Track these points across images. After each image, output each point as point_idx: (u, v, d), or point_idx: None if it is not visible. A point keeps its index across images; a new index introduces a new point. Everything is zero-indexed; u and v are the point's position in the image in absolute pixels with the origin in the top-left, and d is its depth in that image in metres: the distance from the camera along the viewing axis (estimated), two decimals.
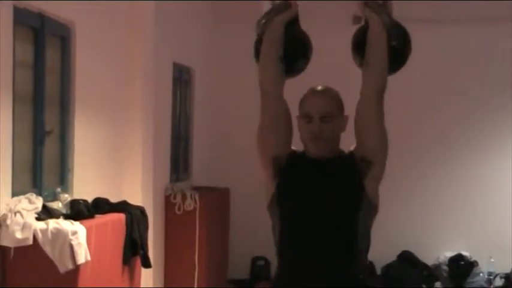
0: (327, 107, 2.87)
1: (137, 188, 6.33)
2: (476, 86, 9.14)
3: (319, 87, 2.96)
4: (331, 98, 2.92)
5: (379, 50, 2.88)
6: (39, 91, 5.08)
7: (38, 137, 5.06)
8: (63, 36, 5.42)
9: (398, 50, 2.97)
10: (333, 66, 7.44)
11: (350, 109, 2.98)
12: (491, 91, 9.10)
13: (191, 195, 7.53)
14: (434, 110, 9.25)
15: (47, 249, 4.37)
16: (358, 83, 2.96)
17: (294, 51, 2.99)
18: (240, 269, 8.72)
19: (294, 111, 2.96)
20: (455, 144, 9.24)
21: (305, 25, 3.08)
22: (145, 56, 6.51)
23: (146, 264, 5.70)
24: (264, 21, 2.94)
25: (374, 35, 2.88)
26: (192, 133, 8.50)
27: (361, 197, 2.87)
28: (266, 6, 2.95)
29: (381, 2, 2.89)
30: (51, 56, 5.27)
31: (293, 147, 2.98)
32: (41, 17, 5.02)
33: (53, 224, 4.44)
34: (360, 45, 2.97)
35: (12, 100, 4.57)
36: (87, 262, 4.50)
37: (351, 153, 2.93)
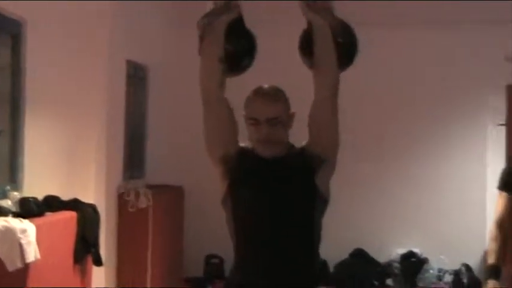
0: (273, 111, 2.86)
1: (89, 186, 6.33)
2: (432, 86, 9.28)
3: (264, 88, 2.94)
4: (277, 100, 2.90)
5: (327, 49, 2.89)
6: None
7: None
8: (14, 32, 5.37)
9: (346, 47, 3.00)
10: (284, 63, 7.50)
11: (300, 105, 2.99)
12: (448, 91, 9.25)
13: (144, 193, 7.52)
14: (391, 115, 9.37)
15: None
16: (307, 78, 2.98)
17: (240, 49, 3.00)
18: (194, 267, 8.71)
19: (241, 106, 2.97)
20: (409, 147, 9.37)
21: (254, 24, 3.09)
22: (98, 54, 6.48)
23: (98, 262, 5.71)
24: (205, 21, 2.94)
25: (320, 36, 2.90)
26: (146, 131, 8.47)
27: (314, 193, 2.90)
28: (209, 7, 2.95)
29: (321, 2, 2.92)
30: (1, 53, 5.24)
31: (242, 144, 2.98)
32: None
33: (1, 222, 4.41)
34: (307, 47, 2.99)
35: None
36: (36, 260, 4.49)
37: (302, 149, 2.94)
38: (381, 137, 9.35)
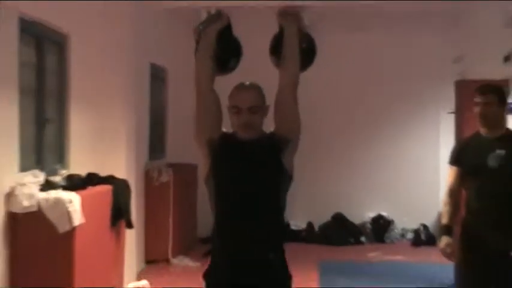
0: (252, 101, 2.84)
1: (122, 165, 6.30)
2: (396, 82, 9.31)
3: (246, 83, 2.91)
4: (256, 93, 2.88)
5: (293, 49, 2.89)
6: (40, 87, 5.05)
7: (40, 123, 5.04)
8: (60, 42, 5.38)
9: (307, 51, 3.00)
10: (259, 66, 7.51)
11: (272, 100, 2.94)
12: (408, 85, 9.28)
13: (166, 170, 7.54)
14: (363, 101, 9.39)
15: (49, 214, 4.36)
16: (276, 78, 2.95)
17: (228, 53, 2.98)
18: (206, 229, 8.70)
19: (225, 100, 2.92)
20: (377, 132, 9.39)
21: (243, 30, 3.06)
22: (127, 59, 6.48)
23: (129, 225, 5.71)
24: (200, 28, 2.92)
25: (289, 38, 2.90)
26: (166, 120, 8.49)
27: (280, 168, 2.85)
28: (203, 16, 2.94)
29: (293, 13, 2.92)
30: (51, 59, 5.24)
31: (224, 130, 2.94)
32: (42, 26, 4.99)
33: (53, 194, 4.44)
34: (276, 49, 2.98)
35: (18, 94, 4.53)
36: (81, 224, 4.51)
37: (271, 134, 2.90)
38: (354, 124, 9.39)
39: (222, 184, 2.86)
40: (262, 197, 2.83)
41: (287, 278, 2.87)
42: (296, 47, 2.89)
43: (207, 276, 2.89)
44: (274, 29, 3.05)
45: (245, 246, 2.82)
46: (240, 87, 2.89)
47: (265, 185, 2.83)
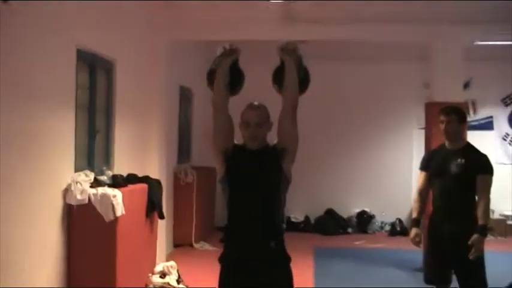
0: (259, 118, 2.86)
1: (155, 167, 6.32)
2: (377, 102, 9.34)
3: (255, 103, 2.93)
4: (262, 111, 2.89)
5: (293, 79, 2.90)
6: (92, 104, 5.09)
7: (91, 133, 5.08)
8: (108, 68, 5.43)
9: (304, 79, 3.01)
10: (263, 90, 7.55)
11: (274, 117, 2.95)
12: (388, 105, 9.30)
13: (191, 172, 7.59)
14: (351, 119, 9.41)
15: (97, 206, 4.41)
16: (277, 100, 2.97)
17: (235, 80, 3.00)
18: (222, 219, 8.65)
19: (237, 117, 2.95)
20: (362, 144, 9.41)
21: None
22: (161, 81, 6.52)
23: (161, 216, 5.69)
24: (216, 61, 2.96)
25: (289, 70, 2.91)
26: (192, 131, 8.52)
27: (280, 174, 2.85)
28: (219, 50, 2.97)
29: (292, 48, 2.93)
30: (100, 81, 5.27)
31: (236, 141, 2.95)
32: (94, 56, 5.04)
33: (101, 190, 4.48)
34: (277, 79, 2.99)
35: (74, 109, 4.60)
36: (122, 215, 4.53)
37: (274, 146, 2.91)
38: (343, 138, 9.39)
39: (234, 184, 2.86)
40: (266, 195, 2.83)
41: (286, 261, 2.88)
42: (295, 77, 2.90)
43: (222, 259, 2.91)
44: (275, 60, 3.06)
45: (252, 236, 2.82)
46: (250, 107, 2.91)
47: (268, 185, 2.84)
